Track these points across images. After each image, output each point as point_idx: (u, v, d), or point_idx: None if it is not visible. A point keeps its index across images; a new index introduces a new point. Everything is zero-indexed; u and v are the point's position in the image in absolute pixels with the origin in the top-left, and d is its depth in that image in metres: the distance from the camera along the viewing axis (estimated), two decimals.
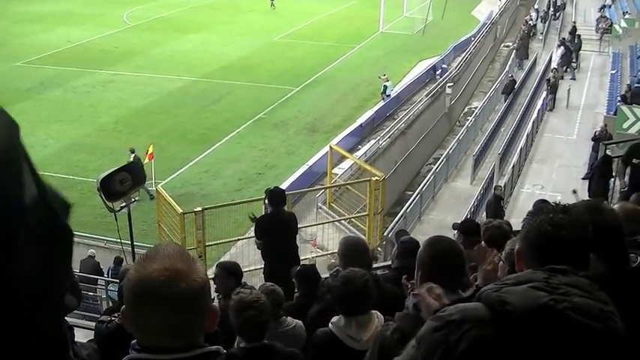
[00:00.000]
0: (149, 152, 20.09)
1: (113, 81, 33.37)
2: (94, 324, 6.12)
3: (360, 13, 48.69)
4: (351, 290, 4.20)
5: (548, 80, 27.39)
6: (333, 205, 16.72)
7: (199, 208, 12.50)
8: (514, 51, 37.24)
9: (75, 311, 7.59)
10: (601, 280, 1.89)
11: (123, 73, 34.27)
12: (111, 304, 11.15)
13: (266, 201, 10.05)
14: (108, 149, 23.70)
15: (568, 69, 30.77)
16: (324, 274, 7.03)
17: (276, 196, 9.42)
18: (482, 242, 5.22)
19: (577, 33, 34.01)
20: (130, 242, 10.19)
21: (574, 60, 31.57)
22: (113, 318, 5.25)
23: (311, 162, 22.49)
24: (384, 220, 15.60)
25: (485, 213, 16.36)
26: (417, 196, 18.93)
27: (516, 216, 16.21)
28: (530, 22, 41.33)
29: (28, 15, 46.06)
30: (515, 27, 45.09)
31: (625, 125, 20.22)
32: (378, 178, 14.32)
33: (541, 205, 2.27)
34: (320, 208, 16.91)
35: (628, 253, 2.64)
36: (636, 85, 23.86)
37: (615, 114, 21.41)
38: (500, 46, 43.07)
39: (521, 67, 35.17)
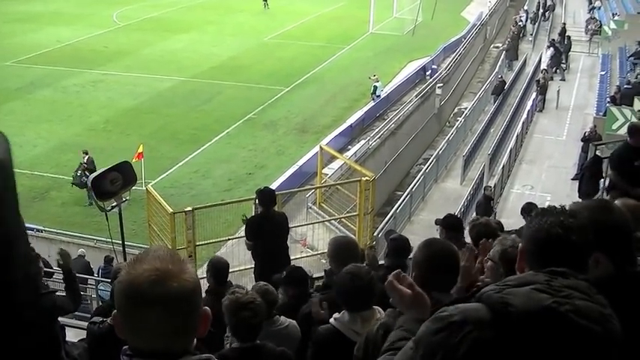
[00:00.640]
0: (139, 152, 20.03)
1: (103, 81, 33.29)
2: (84, 323, 6.11)
3: (349, 14, 48.69)
4: (358, 285, 4.21)
5: (538, 81, 27.45)
6: (323, 205, 16.69)
7: (189, 208, 12.45)
8: (504, 52, 37.33)
9: None
10: (606, 282, 1.89)
11: (113, 73, 34.18)
12: (101, 303, 11.12)
13: (256, 201, 10.04)
14: (98, 149, 23.62)
15: (558, 70, 30.86)
16: (318, 274, 7.02)
17: (266, 197, 9.39)
18: (470, 242, 5.25)
19: (567, 34, 34.10)
20: (120, 242, 10.18)
21: (564, 61, 31.65)
22: (105, 319, 5.26)
23: (301, 162, 22.51)
24: (374, 220, 15.59)
25: (475, 213, 16.41)
26: (406, 196, 19.00)
27: (506, 216, 16.29)
28: (520, 23, 41.42)
29: (17, 15, 45.88)
30: (505, 28, 45.26)
31: (614, 126, 20.29)
32: (368, 178, 14.29)
33: (548, 207, 2.26)
34: (310, 208, 16.91)
35: (635, 254, 2.62)
36: (625, 86, 23.95)
37: (605, 115, 21.50)
38: (489, 47, 43.22)
39: (510, 68, 35.22)
